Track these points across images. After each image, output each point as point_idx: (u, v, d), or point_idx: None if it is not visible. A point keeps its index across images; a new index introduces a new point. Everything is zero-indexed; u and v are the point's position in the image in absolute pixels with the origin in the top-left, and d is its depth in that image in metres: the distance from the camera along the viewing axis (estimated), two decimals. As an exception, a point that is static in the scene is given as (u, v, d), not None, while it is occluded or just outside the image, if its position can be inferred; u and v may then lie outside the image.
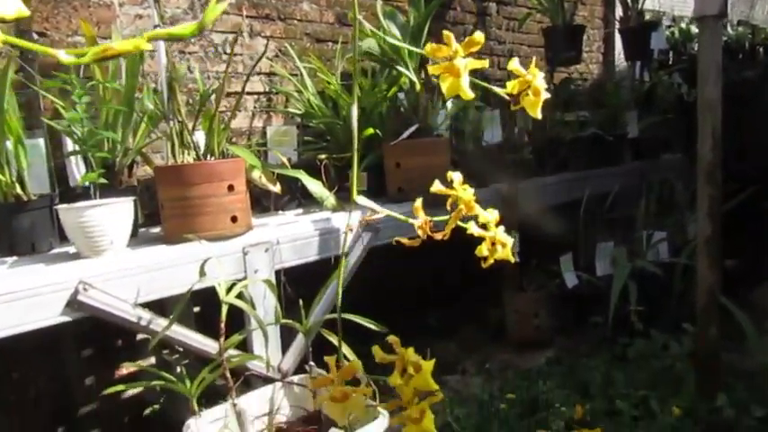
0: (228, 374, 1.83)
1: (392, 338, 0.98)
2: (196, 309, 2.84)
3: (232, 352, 2.09)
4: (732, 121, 2.31)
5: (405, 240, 1.05)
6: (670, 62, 4.78)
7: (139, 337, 2.76)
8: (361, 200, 1.14)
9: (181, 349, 2.81)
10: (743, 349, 2.69)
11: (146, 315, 1.99)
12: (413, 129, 2.76)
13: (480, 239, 0.97)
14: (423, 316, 3.61)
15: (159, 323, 1.99)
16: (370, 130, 2.77)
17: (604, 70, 5.30)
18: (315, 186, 2.61)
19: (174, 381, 1.91)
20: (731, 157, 2.32)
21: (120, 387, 1.88)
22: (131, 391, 2.77)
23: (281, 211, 2.86)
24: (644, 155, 4.16)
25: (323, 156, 2.89)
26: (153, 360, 2.82)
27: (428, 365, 0.92)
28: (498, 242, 0.96)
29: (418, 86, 2.78)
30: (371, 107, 2.91)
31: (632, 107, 4.01)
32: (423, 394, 0.95)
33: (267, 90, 3.22)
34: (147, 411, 2.81)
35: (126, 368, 2.73)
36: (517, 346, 3.24)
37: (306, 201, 2.88)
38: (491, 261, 0.97)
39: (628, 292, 2.85)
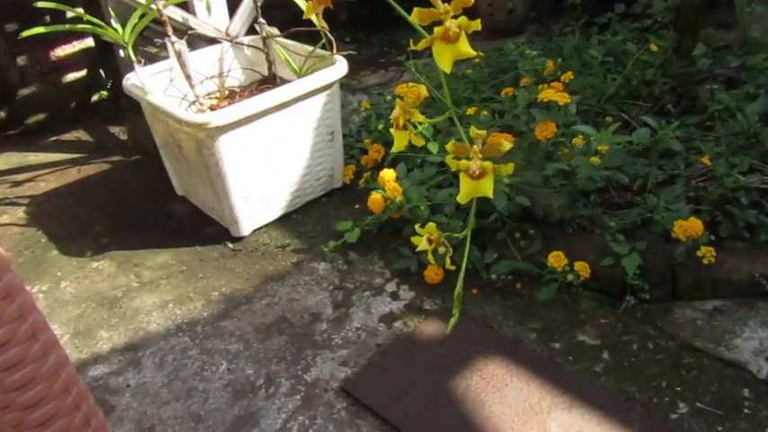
0: (162, 10, 1.61)
1: None
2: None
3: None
4: None
5: None
6: None
7: (71, 14, 2.46)
8: None
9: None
10: (726, 29, 2.54)
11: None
12: None
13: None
14: (390, 8, 3.32)
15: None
16: None
17: None
18: None
19: (103, 26, 1.69)
20: None
21: (40, 29, 1.66)
22: (76, 76, 2.58)
23: None
24: None
25: None
26: (92, 41, 2.58)
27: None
28: None
29: None
30: None
31: None
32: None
33: None
34: (95, 98, 2.66)
35: (62, 49, 2.50)
36: (488, 34, 3.04)
37: None
38: None
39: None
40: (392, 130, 0.58)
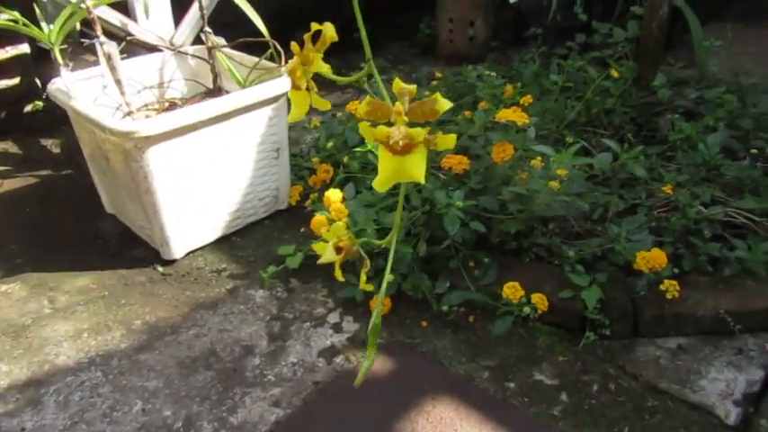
0: (91, 8, 1.47)
1: None
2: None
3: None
4: None
5: None
6: None
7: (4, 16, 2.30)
8: None
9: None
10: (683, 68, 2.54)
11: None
12: None
13: None
14: (350, 30, 3.25)
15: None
16: None
17: None
18: None
19: (28, 24, 1.55)
20: None
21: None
22: (8, 84, 2.39)
23: None
24: None
25: None
26: (27, 48, 2.41)
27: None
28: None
29: None
30: None
31: None
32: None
33: None
34: (29, 108, 2.48)
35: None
36: (448, 60, 2.99)
37: None
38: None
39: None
40: (290, 93, 0.45)
